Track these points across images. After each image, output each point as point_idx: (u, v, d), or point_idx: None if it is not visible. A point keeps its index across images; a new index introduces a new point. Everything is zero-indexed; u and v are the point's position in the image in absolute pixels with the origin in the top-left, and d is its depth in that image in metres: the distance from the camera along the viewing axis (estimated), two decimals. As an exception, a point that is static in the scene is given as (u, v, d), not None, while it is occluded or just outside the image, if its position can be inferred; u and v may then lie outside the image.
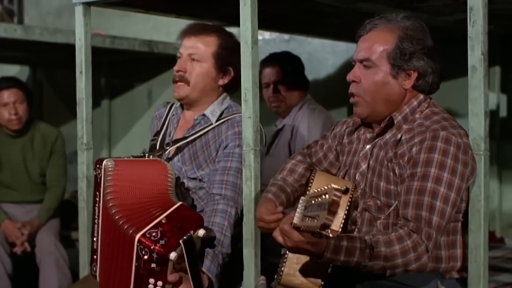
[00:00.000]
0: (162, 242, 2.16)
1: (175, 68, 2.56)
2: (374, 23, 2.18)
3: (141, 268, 2.17)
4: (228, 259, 2.38)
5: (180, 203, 2.31)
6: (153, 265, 2.17)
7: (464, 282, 2.13)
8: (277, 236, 1.97)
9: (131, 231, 2.18)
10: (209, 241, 2.33)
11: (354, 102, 2.19)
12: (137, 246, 2.17)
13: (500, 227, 4.18)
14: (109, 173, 2.33)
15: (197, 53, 2.54)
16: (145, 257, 2.16)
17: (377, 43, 2.14)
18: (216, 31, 2.59)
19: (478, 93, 2.09)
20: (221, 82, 2.58)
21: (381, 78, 2.13)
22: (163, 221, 2.20)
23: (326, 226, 1.73)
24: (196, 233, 2.21)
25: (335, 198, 1.71)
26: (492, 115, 3.87)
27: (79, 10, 2.91)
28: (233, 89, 2.63)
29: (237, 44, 2.57)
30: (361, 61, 2.16)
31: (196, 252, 2.22)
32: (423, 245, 1.96)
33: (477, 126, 2.09)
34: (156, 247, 2.15)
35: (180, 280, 2.20)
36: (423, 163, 2.02)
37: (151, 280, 2.19)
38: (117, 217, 2.23)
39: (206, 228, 2.28)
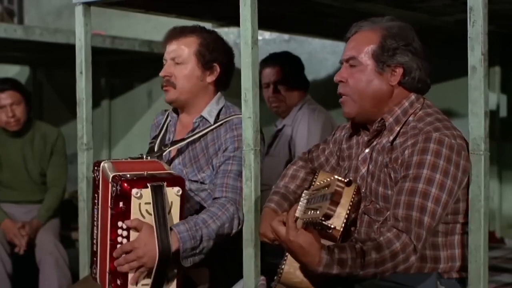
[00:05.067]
0: (129, 178, 2.20)
1: (161, 74, 2.58)
2: (359, 25, 2.22)
3: (112, 209, 2.21)
4: (210, 248, 2.35)
5: (172, 171, 2.35)
6: (121, 204, 2.19)
7: (464, 282, 2.13)
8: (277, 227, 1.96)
9: (110, 173, 2.25)
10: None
11: (342, 102, 2.21)
12: (111, 185, 2.22)
13: (500, 227, 4.18)
14: (110, 167, 2.34)
15: (180, 55, 2.55)
16: (114, 193, 2.20)
17: (362, 43, 2.17)
18: (194, 31, 2.61)
19: (478, 93, 2.09)
20: (208, 79, 2.58)
21: (367, 75, 2.15)
22: (145, 174, 2.25)
23: (328, 217, 1.72)
24: (171, 188, 2.22)
25: (337, 188, 1.72)
26: (492, 115, 3.87)
27: (79, 10, 2.92)
28: (223, 85, 2.64)
29: (219, 40, 2.60)
30: (347, 61, 2.19)
31: (165, 204, 2.21)
32: (411, 246, 1.95)
33: (477, 126, 2.09)
34: (122, 181, 2.19)
35: (140, 226, 2.21)
36: (416, 165, 2.02)
37: (119, 223, 2.22)
38: (108, 171, 2.29)
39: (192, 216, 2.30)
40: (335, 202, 1.72)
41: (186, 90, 2.56)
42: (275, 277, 2.20)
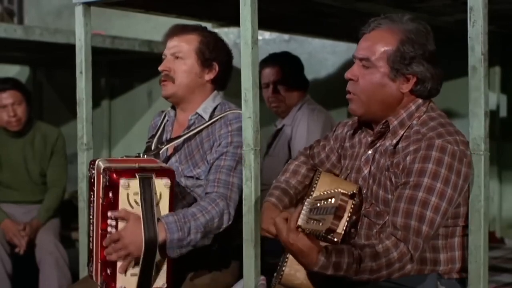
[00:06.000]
0: (119, 169, 2.23)
1: (160, 68, 2.59)
2: (378, 22, 2.16)
3: (103, 200, 2.24)
4: (198, 241, 2.35)
5: (164, 164, 2.38)
6: (110, 194, 2.22)
7: (464, 282, 2.13)
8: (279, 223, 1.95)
9: (102, 165, 2.28)
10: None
11: (349, 99, 2.19)
12: (102, 177, 2.26)
13: (500, 227, 4.18)
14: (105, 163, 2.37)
15: (180, 51, 2.57)
16: (104, 184, 2.24)
17: (378, 44, 2.12)
18: (196, 29, 2.63)
19: (478, 93, 2.09)
20: (207, 77, 2.60)
21: (378, 79, 2.12)
22: (136, 166, 2.28)
23: (331, 231, 1.72)
24: (160, 179, 2.25)
25: (341, 202, 1.70)
26: (492, 115, 3.87)
27: (79, 10, 2.92)
28: (221, 85, 2.65)
29: (219, 41, 2.62)
30: (360, 60, 2.15)
31: (153, 194, 2.24)
32: (408, 255, 1.95)
33: (477, 126, 2.08)
34: (111, 172, 2.22)
35: (127, 216, 2.24)
36: (417, 172, 2.00)
37: (109, 213, 2.25)
38: (101, 164, 2.31)
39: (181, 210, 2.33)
40: (339, 217, 1.71)
41: (184, 85, 2.57)
42: (274, 278, 2.20)
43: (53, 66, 5.58)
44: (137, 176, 2.22)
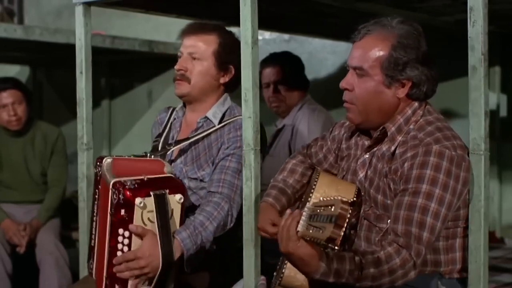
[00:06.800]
0: (131, 187, 2.20)
1: (176, 67, 2.56)
2: (367, 29, 2.13)
3: (113, 216, 2.20)
4: (209, 248, 2.37)
5: (171, 175, 2.36)
6: (122, 211, 2.19)
7: (464, 281, 2.13)
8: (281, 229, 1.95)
9: (110, 178, 2.24)
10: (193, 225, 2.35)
11: (346, 107, 2.17)
12: (111, 191, 2.21)
13: (500, 227, 4.18)
14: (109, 168, 2.36)
15: (198, 51, 2.54)
16: (115, 201, 2.19)
17: (370, 51, 2.10)
18: (216, 29, 2.59)
19: (478, 93, 2.08)
20: (222, 80, 2.58)
21: (374, 87, 2.10)
22: (145, 179, 2.25)
23: (331, 239, 1.71)
24: (173, 195, 2.24)
25: (342, 211, 1.70)
26: (492, 115, 3.87)
27: (79, 10, 2.92)
28: (232, 87, 2.63)
29: (237, 43, 2.58)
30: (354, 69, 2.14)
31: (168, 213, 2.23)
32: (411, 262, 1.94)
33: (477, 126, 2.08)
34: (125, 190, 2.18)
35: (144, 233, 2.22)
36: (415, 179, 1.99)
37: (120, 231, 2.22)
38: (106, 174, 2.28)
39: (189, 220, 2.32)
40: (340, 226, 1.70)
41: (199, 86, 2.55)
42: (274, 278, 2.20)
43: (53, 66, 5.58)
44: (151, 194, 2.21)
